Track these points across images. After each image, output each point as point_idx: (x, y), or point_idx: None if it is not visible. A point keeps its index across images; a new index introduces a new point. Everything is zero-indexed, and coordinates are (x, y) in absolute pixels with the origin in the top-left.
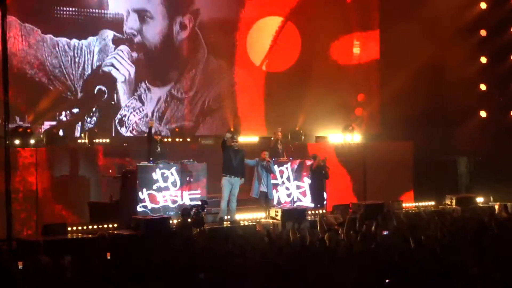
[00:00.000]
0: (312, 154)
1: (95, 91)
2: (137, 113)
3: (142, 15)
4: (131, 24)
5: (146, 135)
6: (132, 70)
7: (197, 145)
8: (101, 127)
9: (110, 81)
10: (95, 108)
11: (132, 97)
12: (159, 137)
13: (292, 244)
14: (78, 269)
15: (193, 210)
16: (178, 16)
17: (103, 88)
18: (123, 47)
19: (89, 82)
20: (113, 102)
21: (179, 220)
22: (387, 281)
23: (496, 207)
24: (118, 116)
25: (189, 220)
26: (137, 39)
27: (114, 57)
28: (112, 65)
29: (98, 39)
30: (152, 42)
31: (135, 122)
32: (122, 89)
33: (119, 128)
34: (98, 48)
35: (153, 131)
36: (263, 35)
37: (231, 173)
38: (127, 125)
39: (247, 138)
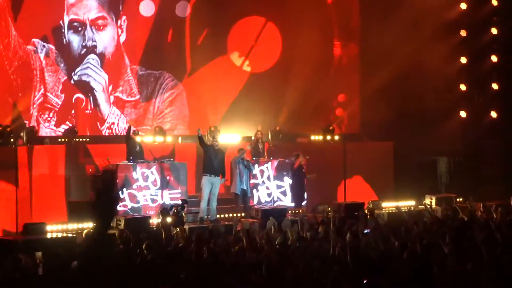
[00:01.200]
0: (295, 153)
1: (73, 100)
2: (122, 120)
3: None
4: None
5: (125, 134)
6: (106, 77)
7: (178, 144)
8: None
9: (88, 90)
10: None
11: (112, 105)
12: (138, 135)
13: (272, 243)
14: (51, 267)
15: (173, 210)
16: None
17: (81, 96)
18: (93, 56)
19: (67, 92)
20: (87, 111)
21: (158, 220)
22: (365, 281)
23: (476, 206)
24: (106, 124)
25: (168, 219)
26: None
27: (89, 67)
28: (88, 75)
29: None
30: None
31: (124, 128)
32: (102, 97)
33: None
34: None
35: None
36: (244, 35)
37: (211, 173)
38: (117, 132)
39: (228, 138)
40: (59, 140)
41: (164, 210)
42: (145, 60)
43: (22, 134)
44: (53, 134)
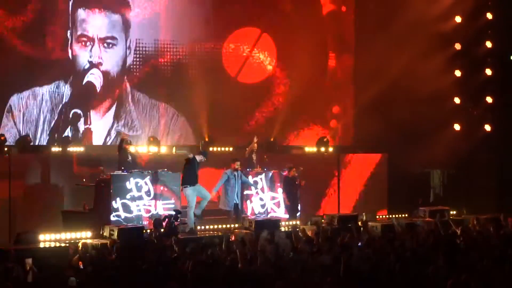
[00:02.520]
0: (288, 165)
1: (70, 115)
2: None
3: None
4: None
5: (117, 145)
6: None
7: (171, 155)
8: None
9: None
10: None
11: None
12: (129, 146)
13: (265, 254)
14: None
15: (166, 220)
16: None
17: (78, 111)
18: (97, 71)
19: (66, 106)
20: (87, 126)
21: (151, 230)
22: None
23: (469, 220)
24: (107, 139)
25: (162, 230)
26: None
27: (91, 80)
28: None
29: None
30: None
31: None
32: (101, 112)
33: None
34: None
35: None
36: (238, 46)
37: (195, 183)
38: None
39: (222, 148)
40: (53, 149)
41: (157, 221)
42: (149, 88)
43: (15, 143)
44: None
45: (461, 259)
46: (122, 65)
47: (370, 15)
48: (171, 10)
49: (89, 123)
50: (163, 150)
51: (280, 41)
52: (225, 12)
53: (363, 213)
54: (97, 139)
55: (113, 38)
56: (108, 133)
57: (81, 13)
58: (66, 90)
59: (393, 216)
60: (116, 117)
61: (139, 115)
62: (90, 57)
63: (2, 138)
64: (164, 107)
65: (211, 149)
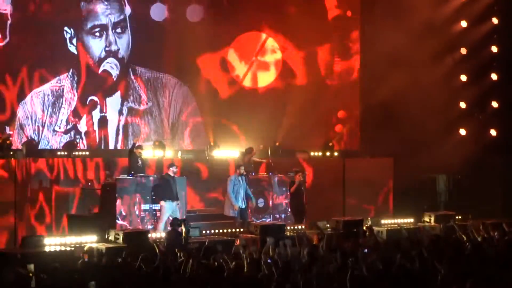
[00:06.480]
0: (294, 169)
1: (87, 102)
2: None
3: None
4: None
5: (129, 149)
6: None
7: (177, 159)
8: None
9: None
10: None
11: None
12: (140, 151)
13: (271, 260)
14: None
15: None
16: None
17: (95, 98)
18: (111, 59)
19: (83, 93)
20: (102, 114)
21: (168, 230)
22: None
23: (475, 225)
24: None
25: (179, 230)
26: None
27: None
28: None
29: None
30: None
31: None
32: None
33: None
34: None
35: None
36: (244, 50)
37: (171, 198)
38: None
39: (228, 153)
40: (58, 153)
41: (175, 220)
42: (152, 62)
43: (21, 147)
44: (53, 147)
45: (466, 265)
46: (131, 48)
47: (375, 20)
48: None
49: (105, 111)
50: (169, 154)
51: (286, 46)
52: (230, 15)
53: (369, 218)
54: (111, 126)
55: (124, 20)
56: (120, 112)
57: (84, 5)
58: (78, 80)
59: (399, 221)
60: (125, 96)
61: (144, 88)
62: (106, 46)
63: (8, 142)
64: (166, 78)
65: (214, 152)
